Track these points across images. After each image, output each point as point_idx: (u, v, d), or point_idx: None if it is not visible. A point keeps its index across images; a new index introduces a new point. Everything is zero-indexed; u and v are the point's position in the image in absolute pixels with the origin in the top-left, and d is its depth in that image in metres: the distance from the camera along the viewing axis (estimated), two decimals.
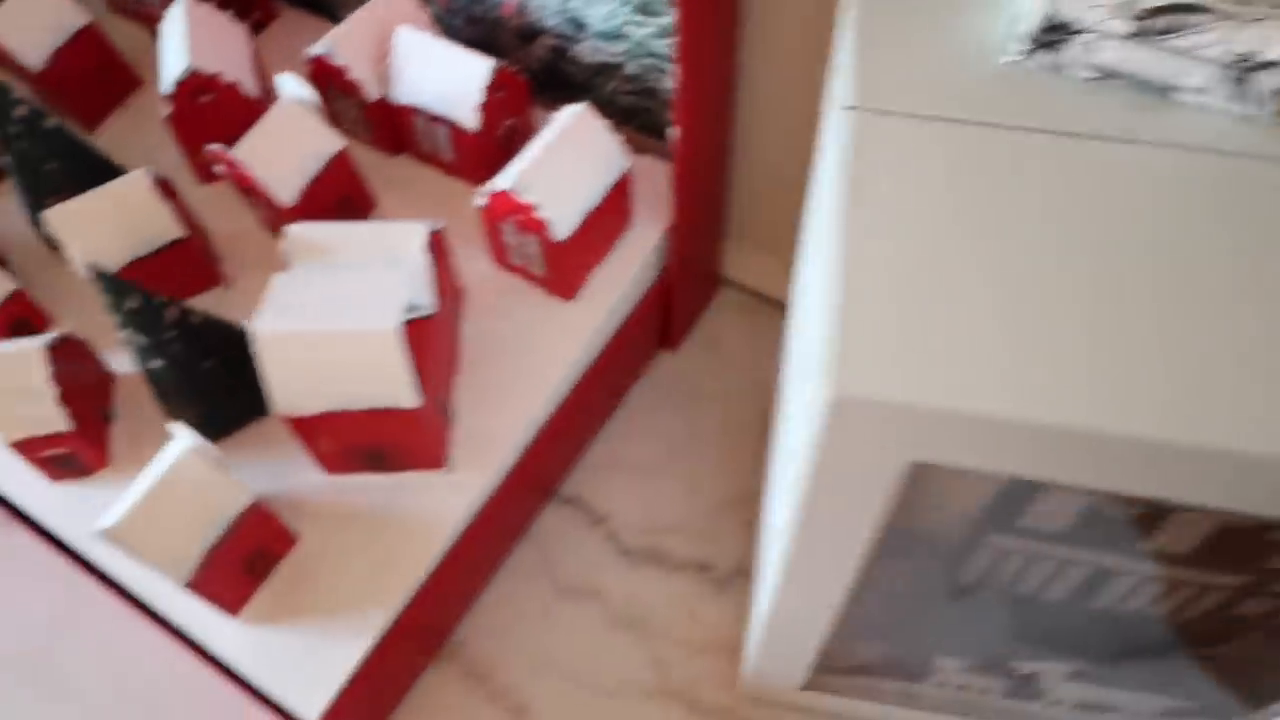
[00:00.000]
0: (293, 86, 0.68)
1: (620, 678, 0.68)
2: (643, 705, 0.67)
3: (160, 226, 0.68)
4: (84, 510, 0.66)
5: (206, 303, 0.73)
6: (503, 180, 0.64)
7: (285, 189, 0.67)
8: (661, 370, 0.82)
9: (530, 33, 0.78)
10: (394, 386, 0.57)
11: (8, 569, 0.73)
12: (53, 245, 0.75)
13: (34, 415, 0.62)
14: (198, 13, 0.72)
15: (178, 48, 0.71)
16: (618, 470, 0.77)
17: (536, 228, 0.64)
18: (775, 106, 0.71)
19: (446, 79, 0.70)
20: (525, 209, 0.64)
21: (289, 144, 0.67)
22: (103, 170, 0.74)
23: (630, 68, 0.75)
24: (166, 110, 0.72)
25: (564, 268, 0.68)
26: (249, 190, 0.68)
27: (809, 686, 0.63)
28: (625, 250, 0.73)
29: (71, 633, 0.70)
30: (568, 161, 0.65)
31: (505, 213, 0.66)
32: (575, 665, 0.69)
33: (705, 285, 0.83)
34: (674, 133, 0.65)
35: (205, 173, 0.78)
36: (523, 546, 0.74)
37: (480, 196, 0.66)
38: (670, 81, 0.73)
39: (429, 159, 0.77)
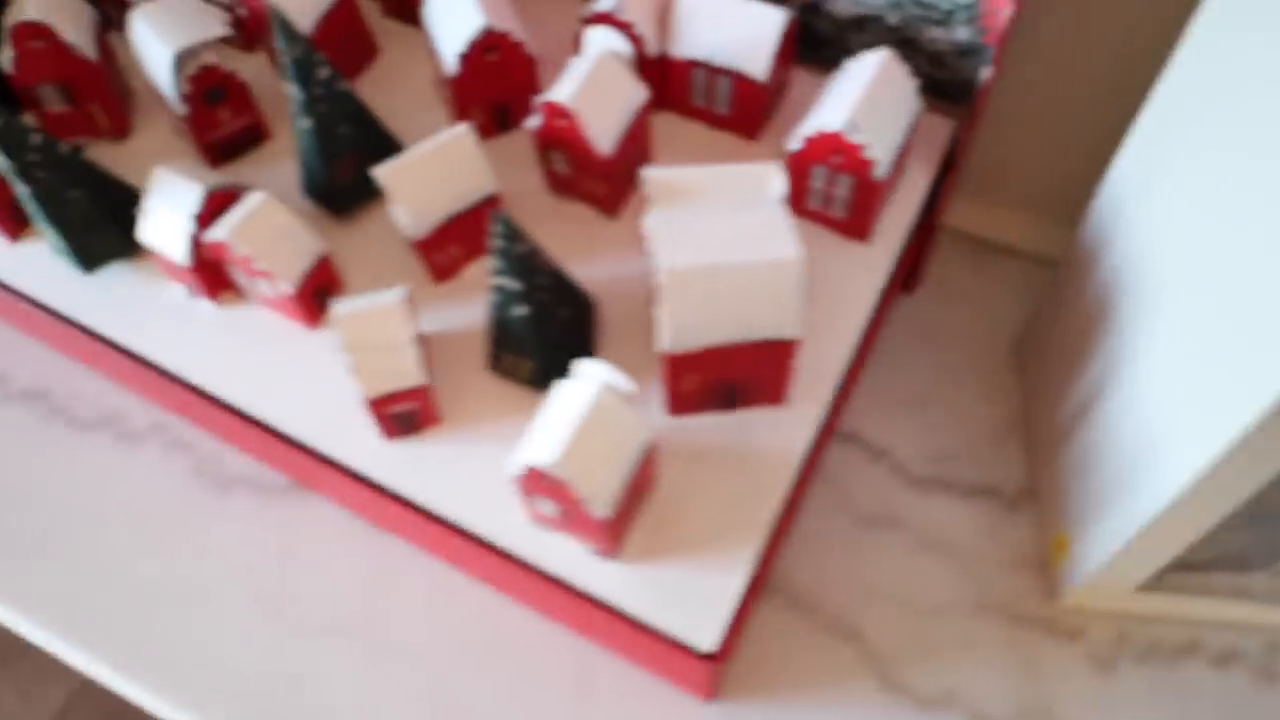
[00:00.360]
0: (607, 38, 0.69)
1: (941, 598, 0.71)
2: (970, 621, 0.70)
3: (479, 181, 0.68)
4: (424, 466, 0.67)
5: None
6: (830, 122, 0.66)
7: (605, 140, 0.68)
8: (900, 312, 0.85)
9: None
10: (784, 317, 0.60)
11: (318, 533, 0.73)
12: (338, 208, 0.75)
13: (396, 369, 0.62)
14: None
15: (464, 6, 0.72)
16: (885, 406, 0.80)
17: (862, 169, 0.67)
18: (1045, 50, 0.75)
19: (737, 30, 0.72)
20: (854, 150, 0.66)
21: (608, 95, 0.68)
22: (379, 135, 0.74)
23: (891, 19, 0.78)
24: (453, 69, 0.72)
25: (870, 209, 0.70)
26: (564, 143, 0.69)
27: (1143, 589, 0.67)
28: (901, 194, 0.76)
29: (394, 590, 0.71)
30: (883, 104, 0.68)
31: (825, 154, 0.68)
32: (895, 590, 0.72)
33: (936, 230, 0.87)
34: (987, 73, 0.68)
35: None
36: (817, 483, 0.76)
37: (795, 141, 0.69)
38: (936, 31, 0.76)
39: (696, 114, 0.78)
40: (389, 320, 0.62)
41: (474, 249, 0.72)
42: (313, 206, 0.77)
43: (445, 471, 0.66)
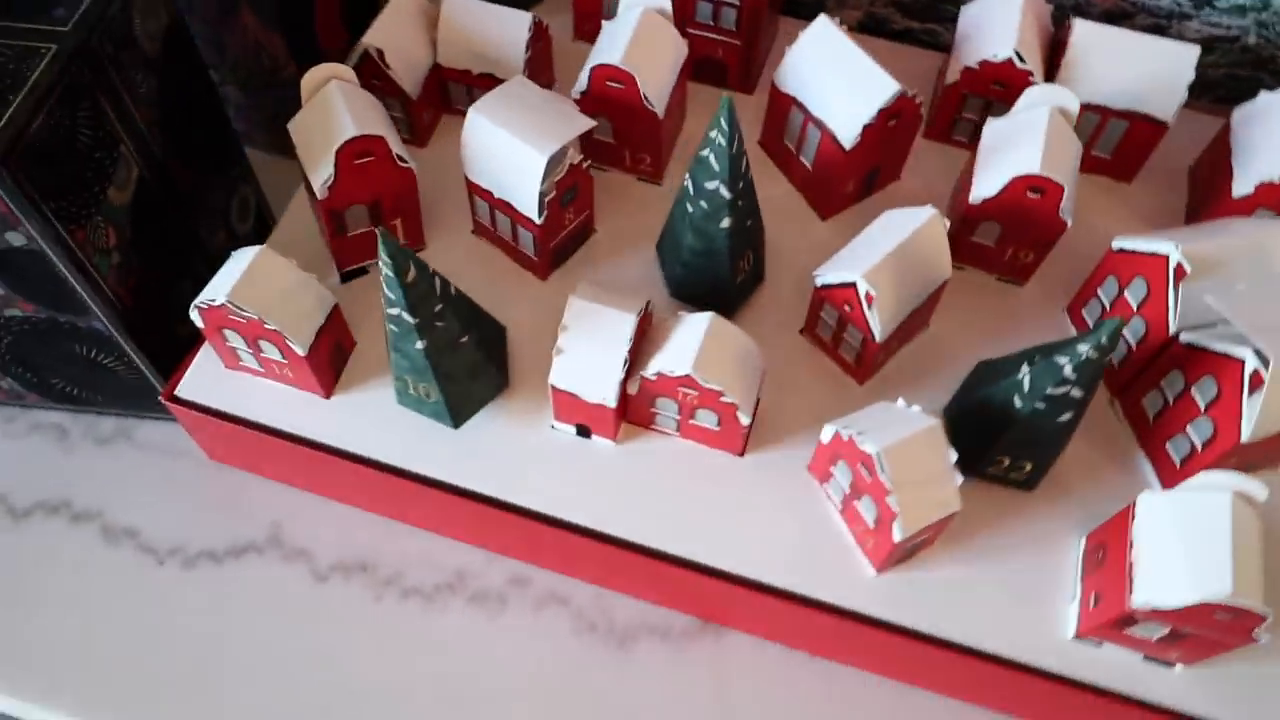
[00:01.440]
0: (1053, 94, 0.62)
1: None
2: None
3: (939, 269, 0.61)
4: (922, 592, 0.59)
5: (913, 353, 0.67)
6: None
7: (1067, 210, 0.62)
8: None
9: (1122, 14, 0.75)
10: None
11: (752, 672, 0.65)
12: (731, 309, 0.66)
13: (938, 500, 0.55)
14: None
15: (866, 72, 0.64)
16: None
17: None
18: None
19: (1142, 69, 0.67)
20: None
21: (1065, 160, 0.62)
22: (761, 222, 0.66)
23: (1250, 39, 0.74)
24: (851, 139, 0.64)
25: None
26: (1020, 214, 0.62)
27: None
28: None
29: None
30: None
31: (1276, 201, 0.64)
32: None
33: None
34: None
35: (830, 208, 0.70)
36: None
37: (1244, 185, 0.64)
38: None
39: None
40: (933, 448, 0.54)
41: (904, 341, 0.65)
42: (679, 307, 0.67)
43: (945, 595, 0.59)
